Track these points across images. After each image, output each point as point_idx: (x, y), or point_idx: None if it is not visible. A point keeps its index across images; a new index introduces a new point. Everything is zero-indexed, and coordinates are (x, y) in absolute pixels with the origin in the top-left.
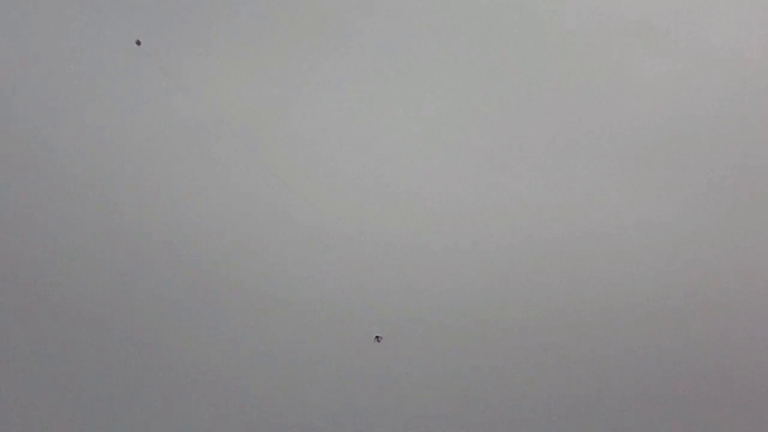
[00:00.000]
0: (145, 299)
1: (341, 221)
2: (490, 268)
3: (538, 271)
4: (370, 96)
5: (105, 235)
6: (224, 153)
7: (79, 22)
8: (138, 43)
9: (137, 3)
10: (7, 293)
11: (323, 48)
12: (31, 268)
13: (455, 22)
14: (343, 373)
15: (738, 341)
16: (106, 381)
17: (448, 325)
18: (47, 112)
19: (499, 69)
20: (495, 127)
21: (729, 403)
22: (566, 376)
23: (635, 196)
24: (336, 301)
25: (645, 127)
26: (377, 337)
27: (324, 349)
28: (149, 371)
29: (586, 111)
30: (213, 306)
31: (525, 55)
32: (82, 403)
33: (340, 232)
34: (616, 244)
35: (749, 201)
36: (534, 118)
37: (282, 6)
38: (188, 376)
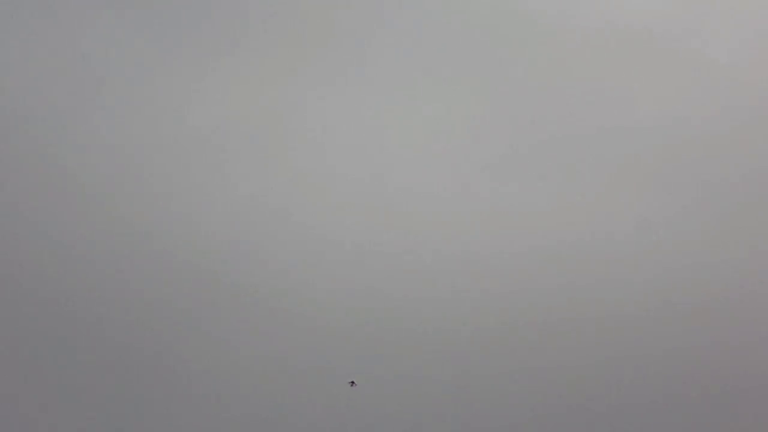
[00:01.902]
0: (148, 299)
1: (345, 225)
2: (492, 271)
3: (538, 275)
4: (375, 106)
5: (112, 235)
6: (232, 158)
7: (92, 31)
8: None
9: (151, 13)
10: (10, 294)
11: (329, 59)
12: (38, 270)
13: (458, 35)
14: (344, 377)
15: (738, 340)
16: (110, 380)
17: (448, 328)
18: (58, 118)
19: (501, 79)
20: (497, 134)
21: (731, 401)
22: (567, 379)
23: (636, 201)
24: (337, 301)
25: (645, 136)
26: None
27: (326, 348)
28: (153, 366)
29: (587, 119)
30: (217, 306)
31: (527, 65)
32: (83, 404)
33: (344, 236)
34: (616, 248)
35: (748, 204)
36: (536, 127)
37: (290, 19)
38: (191, 371)
